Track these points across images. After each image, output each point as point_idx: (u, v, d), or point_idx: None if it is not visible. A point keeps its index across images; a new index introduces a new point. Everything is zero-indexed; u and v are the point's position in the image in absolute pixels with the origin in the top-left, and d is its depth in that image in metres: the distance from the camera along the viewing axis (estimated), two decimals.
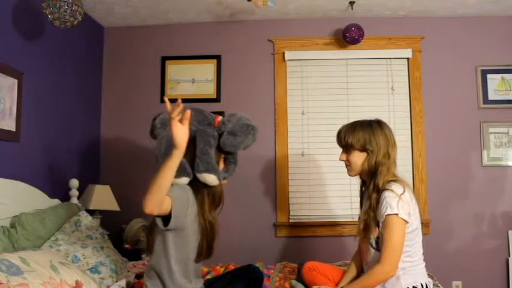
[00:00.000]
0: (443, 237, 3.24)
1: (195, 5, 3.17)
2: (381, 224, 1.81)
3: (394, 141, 1.95)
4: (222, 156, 2.03)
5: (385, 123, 1.98)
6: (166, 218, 1.73)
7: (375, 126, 1.93)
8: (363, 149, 1.91)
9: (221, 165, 2.04)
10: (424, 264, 1.92)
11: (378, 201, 1.82)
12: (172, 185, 1.78)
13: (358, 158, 1.93)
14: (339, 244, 3.27)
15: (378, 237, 1.85)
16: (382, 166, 1.86)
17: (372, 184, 1.87)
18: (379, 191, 1.83)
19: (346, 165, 2.01)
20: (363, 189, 2.09)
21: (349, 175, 2.02)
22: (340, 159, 2.01)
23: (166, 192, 1.64)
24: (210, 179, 1.86)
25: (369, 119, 2.00)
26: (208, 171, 1.86)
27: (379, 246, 1.85)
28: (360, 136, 1.90)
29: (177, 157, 1.63)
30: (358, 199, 2.15)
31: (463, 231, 3.25)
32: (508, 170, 3.28)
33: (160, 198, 1.62)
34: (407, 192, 1.82)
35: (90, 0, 2.97)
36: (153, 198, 1.61)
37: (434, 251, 3.14)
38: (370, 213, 1.84)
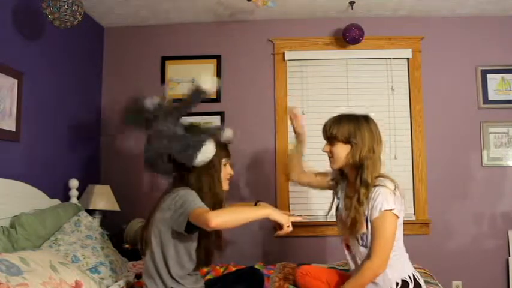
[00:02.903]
0: (443, 237, 3.24)
1: (195, 5, 3.17)
2: (371, 220, 1.80)
3: (380, 137, 1.92)
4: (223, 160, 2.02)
5: (372, 119, 1.95)
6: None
7: (361, 120, 1.91)
8: (347, 141, 1.89)
9: (224, 172, 2.02)
10: (407, 255, 1.92)
11: (367, 196, 1.81)
12: (179, 190, 1.82)
13: (342, 150, 1.90)
14: (339, 244, 3.26)
15: (364, 234, 1.84)
16: (367, 161, 1.84)
17: (359, 179, 1.85)
18: (369, 186, 1.82)
19: (329, 157, 1.99)
20: (339, 181, 2.06)
21: (331, 167, 2.00)
22: (324, 151, 2.00)
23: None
24: (208, 149, 1.84)
25: (357, 113, 1.97)
26: (197, 148, 1.82)
27: (364, 242, 1.84)
28: (345, 128, 1.89)
29: (263, 216, 1.78)
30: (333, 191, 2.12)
31: (463, 231, 3.25)
32: (508, 170, 3.28)
33: (227, 227, 1.70)
34: (397, 189, 1.83)
35: (90, 0, 2.97)
36: (223, 224, 1.65)
37: (434, 251, 3.15)
38: (359, 208, 1.81)
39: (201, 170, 1.92)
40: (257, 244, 3.29)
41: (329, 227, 3.28)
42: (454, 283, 3.20)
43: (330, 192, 3.30)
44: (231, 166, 2.09)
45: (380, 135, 1.93)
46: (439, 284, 2.20)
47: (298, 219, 1.95)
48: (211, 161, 1.91)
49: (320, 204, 3.34)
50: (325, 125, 1.99)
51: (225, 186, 2.03)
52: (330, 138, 1.95)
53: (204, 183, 1.91)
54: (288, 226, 1.85)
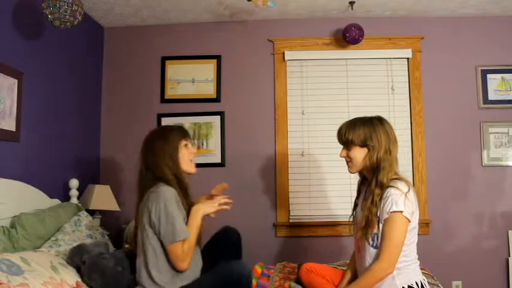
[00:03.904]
0: (443, 237, 3.25)
1: (195, 5, 3.17)
2: (382, 221, 1.81)
3: (395, 137, 1.94)
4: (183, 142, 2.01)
5: (385, 120, 1.97)
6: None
7: (375, 122, 1.93)
8: (364, 144, 1.90)
9: (187, 153, 2.01)
10: (418, 263, 1.92)
11: (381, 197, 1.82)
12: (156, 189, 1.87)
13: (359, 154, 1.92)
14: (339, 244, 3.27)
15: (375, 234, 1.84)
16: (384, 162, 1.85)
17: (375, 180, 1.86)
18: (383, 187, 1.82)
19: (347, 162, 1.99)
20: (361, 186, 2.08)
21: (350, 172, 2.01)
22: (341, 156, 2.00)
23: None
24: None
25: (370, 115, 1.99)
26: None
27: (375, 243, 1.84)
28: (361, 132, 1.90)
29: (201, 219, 1.93)
30: (354, 196, 2.13)
31: (463, 231, 3.25)
32: (508, 170, 3.29)
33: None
34: (412, 192, 1.82)
35: (90, 0, 2.97)
36: (190, 259, 1.85)
37: (434, 251, 3.15)
38: (372, 209, 1.82)
39: (161, 158, 1.93)
40: (257, 244, 3.28)
41: (329, 227, 3.29)
42: (454, 283, 3.20)
43: (330, 194, 3.32)
44: (193, 145, 2.12)
45: (395, 136, 1.95)
46: (439, 284, 2.20)
47: (223, 202, 2.04)
48: (168, 148, 1.95)
49: (320, 204, 3.34)
50: (339, 130, 1.99)
51: (190, 167, 2.02)
52: (346, 143, 1.95)
53: (167, 173, 1.92)
54: (214, 212, 2.01)
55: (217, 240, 2.21)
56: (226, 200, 2.03)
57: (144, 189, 1.93)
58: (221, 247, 2.16)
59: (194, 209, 1.93)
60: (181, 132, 2.03)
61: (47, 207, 2.42)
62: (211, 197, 2.16)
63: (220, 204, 1.99)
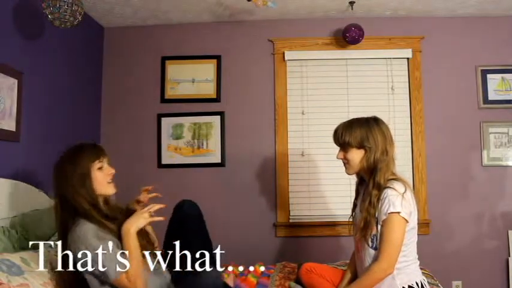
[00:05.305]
0: (443, 237, 3.25)
1: (195, 5, 3.17)
2: (380, 222, 1.81)
3: (392, 138, 1.94)
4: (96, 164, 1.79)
5: (382, 121, 1.97)
6: None
7: (372, 123, 1.93)
8: (360, 146, 1.90)
9: (102, 175, 1.81)
10: (418, 263, 1.92)
11: (379, 198, 1.82)
12: (72, 238, 1.64)
13: (356, 156, 1.91)
14: (339, 244, 3.27)
15: (374, 236, 1.85)
16: (381, 163, 1.85)
17: (372, 181, 1.86)
18: (380, 188, 1.82)
19: (344, 164, 1.99)
20: (359, 187, 2.08)
21: (347, 173, 2.01)
22: (338, 158, 1.99)
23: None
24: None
25: (366, 116, 1.99)
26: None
27: (374, 244, 1.85)
28: (357, 133, 1.90)
29: (135, 235, 1.70)
30: (354, 197, 2.13)
31: (463, 231, 3.25)
32: (508, 170, 3.29)
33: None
34: (409, 192, 1.83)
35: (90, 0, 2.97)
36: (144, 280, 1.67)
37: (434, 251, 3.15)
38: (370, 210, 1.82)
39: (73, 187, 1.71)
40: (257, 244, 3.29)
41: (329, 227, 3.29)
42: (454, 283, 3.20)
43: (330, 194, 3.33)
44: (110, 164, 1.87)
45: (391, 136, 1.94)
46: (439, 284, 2.20)
47: (155, 209, 1.79)
48: (79, 175, 1.73)
49: (320, 204, 3.34)
50: (336, 132, 1.98)
51: (108, 189, 1.83)
52: (343, 144, 1.95)
53: (82, 203, 1.70)
54: (149, 223, 1.78)
55: (175, 223, 1.95)
56: (158, 207, 1.79)
57: (63, 228, 1.70)
58: (183, 231, 1.91)
59: (124, 230, 1.69)
60: (92, 153, 1.79)
61: (47, 207, 2.41)
62: (138, 202, 2.02)
63: (151, 215, 1.75)
